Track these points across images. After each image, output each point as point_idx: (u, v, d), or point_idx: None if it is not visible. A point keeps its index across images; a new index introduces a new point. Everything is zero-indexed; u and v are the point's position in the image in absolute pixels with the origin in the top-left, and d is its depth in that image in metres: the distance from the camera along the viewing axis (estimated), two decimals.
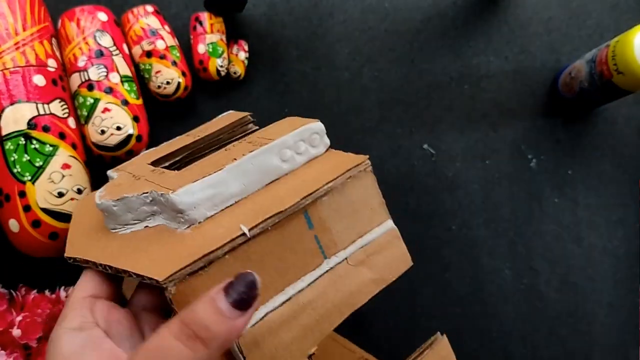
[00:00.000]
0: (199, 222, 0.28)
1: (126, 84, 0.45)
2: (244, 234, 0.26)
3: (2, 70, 0.41)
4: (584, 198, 0.55)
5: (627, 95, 0.49)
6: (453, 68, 0.55)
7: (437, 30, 0.55)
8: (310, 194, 0.28)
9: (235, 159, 0.29)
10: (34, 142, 0.40)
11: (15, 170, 0.40)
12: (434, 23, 0.56)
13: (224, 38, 0.51)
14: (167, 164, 0.37)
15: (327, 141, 0.34)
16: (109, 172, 0.36)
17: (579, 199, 0.55)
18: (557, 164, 0.55)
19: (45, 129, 0.41)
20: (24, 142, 0.40)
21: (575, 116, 0.56)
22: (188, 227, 0.28)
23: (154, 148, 0.40)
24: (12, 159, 0.40)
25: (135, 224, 0.30)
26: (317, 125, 0.34)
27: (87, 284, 0.28)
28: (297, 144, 0.32)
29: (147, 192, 0.29)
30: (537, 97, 0.56)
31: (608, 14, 0.57)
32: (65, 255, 0.30)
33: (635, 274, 0.55)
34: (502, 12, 0.57)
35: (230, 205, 0.29)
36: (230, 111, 0.43)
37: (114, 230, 0.31)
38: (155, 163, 0.36)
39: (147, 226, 0.30)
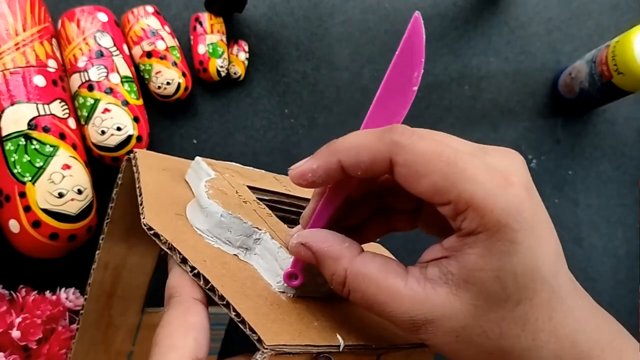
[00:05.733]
0: (292, 296, 0.27)
1: (126, 85, 0.45)
2: (337, 346, 0.24)
3: (2, 70, 0.41)
4: (584, 198, 0.55)
5: (627, 96, 0.49)
6: (453, 68, 0.55)
7: (437, 31, 0.56)
8: (387, 347, 0.27)
9: None
10: (34, 142, 0.40)
11: (15, 171, 0.40)
12: (434, 23, 0.56)
13: (224, 38, 0.51)
14: (255, 195, 0.35)
15: None
16: (200, 160, 0.34)
17: (579, 199, 0.55)
18: (557, 164, 0.55)
19: (46, 130, 0.41)
20: (24, 142, 0.40)
21: (575, 116, 0.56)
22: (282, 292, 0.27)
23: (239, 166, 0.38)
24: (13, 159, 0.40)
25: (225, 244, 0.28)
26: None
27: (193, 343, 0.24)
28: None
29: (261, 230, 0.28)
30: (537, 98, 0.56)
31: (608, 14, 0.57)
32: (145, 222, 0.27)
33: (635, 274, 0.55)
34: (502, 12, 0.57)
35: (320, 298, 0.28)
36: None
37: (198, 231, 0.28)
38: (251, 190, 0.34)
39: (236, 255, 0.28)
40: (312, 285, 0.27)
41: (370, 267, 0.23)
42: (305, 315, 0.26)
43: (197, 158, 0.34)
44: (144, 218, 0.27)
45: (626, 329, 0.25)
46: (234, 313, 0.23)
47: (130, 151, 0.33)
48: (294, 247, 0.25)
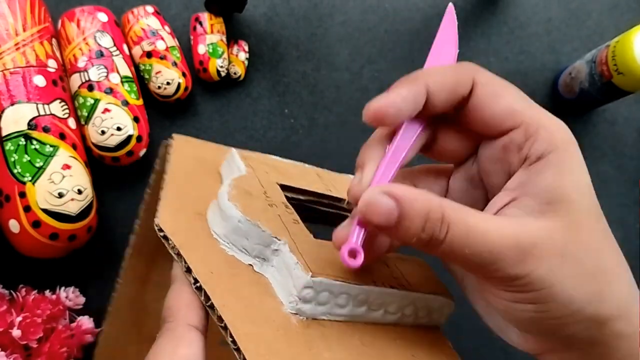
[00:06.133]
0: (305, 318, 0.24)
1: (126, 85, 0.45)
2: None
3: (2, 70, 0.41)
4: None
5: (627, 96, 0.49)
6: None
7: (437, 31, 0.55)
8: None
9: (374, 282, 0.26)
10: (34, 142, 0.40)
11: (15, 171, 0.40)
12: (434, 24, 0.56)
13: (224, 38, 0.51)
14: (290, 195, 0.32)
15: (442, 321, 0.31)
16: (234, 153, 0.32)
17: None
18: None
19: (46, 130, 0.41)
20: (24, 142, 0.40)
21: (575, 116, 0.56)
22: (295, 313, 0.24)
23: (278, 159, 0.36)
24: (13, 159, 0.40)
25: (241, 252, 0.26)
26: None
27: None
28: (426, 308, 0.29)
29: (280, 241, 0.25)
30: (537, 98, 0.56)
31: (608, 14, 0.57)
32: (157, 222, 0.25)
33: (635, 274, 0.55)
34: (501, 12, 0.57)
35: (337, 321, 0.26)
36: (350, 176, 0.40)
37: (215, 235, 0.26)
38: (283, 188, 0.31)
39: (251, 266, 0.26)
40: (330, 307, 0.25)
41: (466, 211, 0.22)
42: (315, 345, 0.23)
43: (233, 151, 0.32)
44: (157, 218, 0.25)
45: None
46: (230, 339, 0.21)
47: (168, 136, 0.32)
48: (372, 199, 0.21)
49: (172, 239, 0.24)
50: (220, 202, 0.26)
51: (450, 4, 0.27)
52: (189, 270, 0.23)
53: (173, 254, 0.24)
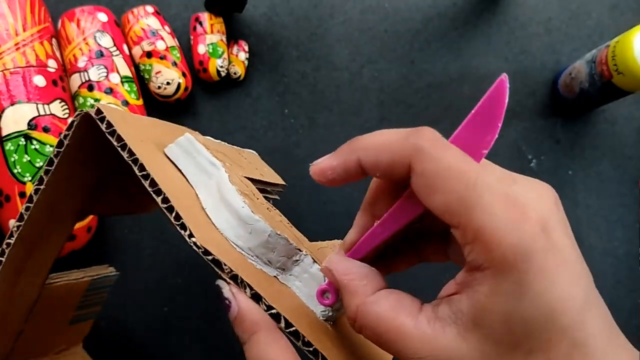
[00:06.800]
0: (332, 323, 0.26)
1: (126, 85, 0.45)
2: None
3: (2, 70, 0.41)
4: (584, 198, 0.55)
5: (627, 96, 0.49)
6: (453, 68, 0.55)
7: (437, 31, 0.56)
8: None
9: None
10: (35, 142, 0.40)
11: (15, 171, 0.40)
12: (433, 24, 0.56)
13: (224, 38, 0.51)
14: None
15: None
16: (194, 141, 0.27)
17: (579, 199, 0.55)
18: (557, 164, 0.55)
19: (46, 130, 0.41)
20: (24, 142, 0.40)
21: (575, 116, 0.56)
22: (326, 320, 0.25)
23: (218, 142, 0.34)
24: (13, 159, 0.40)
25: (266, 265, 0.25)
26: None
27: None
28: None
29: (302, 252, 0.25)
30: (537, 98, 0.56)
31: (608, 14, 0.57)
32: (200, 243, 0.22)
33: (635, 274, 0.55)
34: (502, 12, 0.57)
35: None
36: (254, 152, 0.41)
37: (237, 249, 0.24)
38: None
39: (276, 277, 0.25)
40: (338, 308, 0.26)
41: (382, 306, 0.22)
42: (354, 347, 0.25)
43: (189, 136, 0.28)
44: (191, 236, 0.22)
45: (626, 328, 0.24)
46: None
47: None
48: (323, 269, 0.24)
49: (227, 264, 0.22)
50: (243, 214, 0.25)
51: (505, 75, 0.21)
52: (257, 297, 0.23)
53: (227, 279, 0.22)
